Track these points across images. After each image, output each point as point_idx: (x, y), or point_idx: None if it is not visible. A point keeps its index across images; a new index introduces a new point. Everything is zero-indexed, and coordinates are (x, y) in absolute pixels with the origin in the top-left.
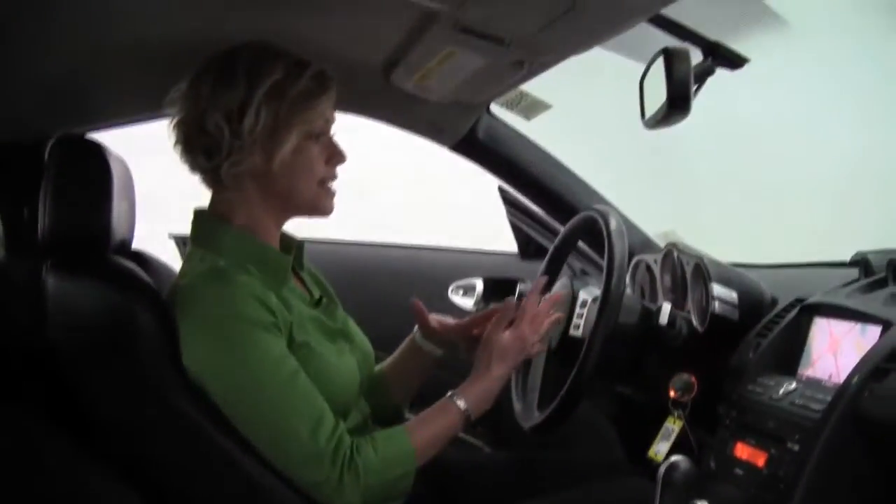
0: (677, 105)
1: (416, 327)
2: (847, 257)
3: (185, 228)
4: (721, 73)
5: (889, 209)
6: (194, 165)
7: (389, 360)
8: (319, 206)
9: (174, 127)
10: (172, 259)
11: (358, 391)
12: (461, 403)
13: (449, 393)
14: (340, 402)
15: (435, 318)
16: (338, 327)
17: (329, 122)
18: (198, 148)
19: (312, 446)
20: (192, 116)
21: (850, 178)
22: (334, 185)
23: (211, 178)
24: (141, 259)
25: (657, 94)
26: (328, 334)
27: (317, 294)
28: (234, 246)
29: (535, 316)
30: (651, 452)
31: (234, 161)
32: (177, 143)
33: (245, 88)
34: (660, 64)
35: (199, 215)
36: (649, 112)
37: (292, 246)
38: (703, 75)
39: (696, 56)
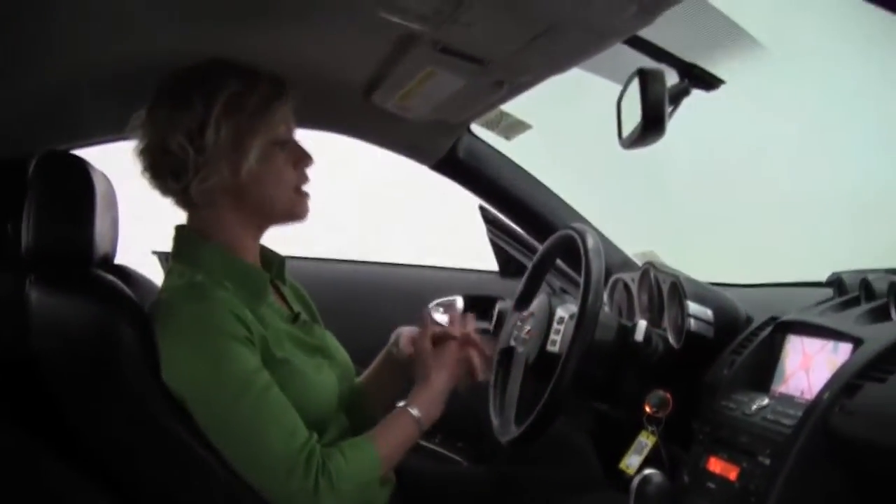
0: (652, 125)
1: (392, 338)
2: (824, 279)
3: (167, 245)
4: (702, 96)
5: (867, 232)
6: (164, 189)
7: (366, 372)
8: (295, 211)
9: (139, 154)
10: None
11: (336, 406)
12: (414, 412)
13: (401, 403)
14: (319, 416)
15: (408, 336)
16: (316, 343)
17: (291, 128)
18: (165, 171)
19: (286, 457)
20: (154, 141)
21: (830, 200)
22: (306, 188)
23: (182, 199)
24: (123, 274)
25: (633, 114)
26: (306, 350)
27: (296, 309)
28: (211, 262)
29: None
30: (622, 465)
31: (202, 178)
32: (144, 169)
33: (202, 106)
34: (636, 84)
35: (179, 231)
36: (626, 132)
37: (273, 261)
38: (678, 96)
39: (673, 77)
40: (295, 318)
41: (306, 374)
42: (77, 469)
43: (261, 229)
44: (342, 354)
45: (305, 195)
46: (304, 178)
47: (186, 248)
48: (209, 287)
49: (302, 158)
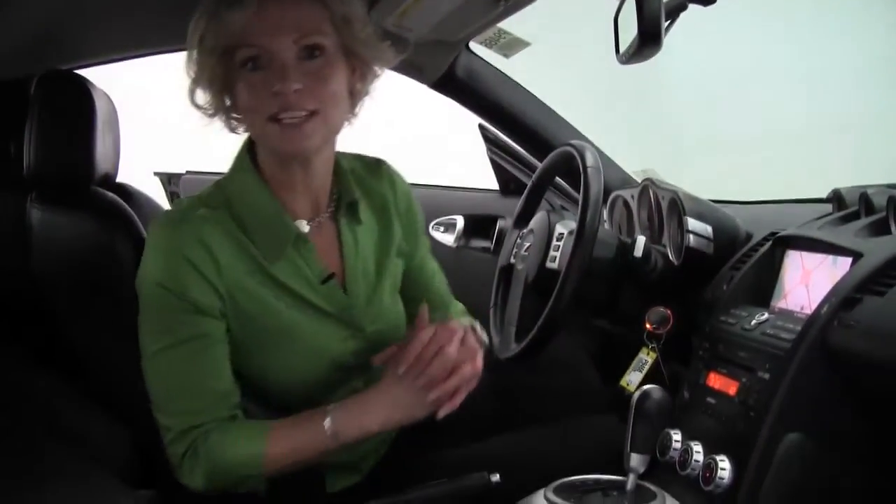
0: (648, 40)
1: None
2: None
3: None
4: (705, 16)
5: (868, 152)
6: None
7: None
8: (274, 145)
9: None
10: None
11: (343, 372)
12: (327, 423)
13: (330, 406)
14: (314, 380)
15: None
16: (333, 310)
17: (261, 41)
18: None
19: (167, 419)
20: None
21: (831, 123)
22: (290, 115)
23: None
24: (124, 192)
25: (630, 29)
26: (315, 314)
27: (326, 272)
28: (241, 195)
29: (418, 360)
30: (623, 382)
31: (209, 100)
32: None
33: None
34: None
35: (244, 146)
36: (623, 47)
37: (343, 197)
38: (675, 10)
39: None
40: (325, 279)
41: (295, 337)
42: (73, 383)
43: (282, 165)
44: (381, 325)
45: (286, 125)
46: (280, 104)
47: (231, 171)
48: (192, 217)
49: (271, 78)
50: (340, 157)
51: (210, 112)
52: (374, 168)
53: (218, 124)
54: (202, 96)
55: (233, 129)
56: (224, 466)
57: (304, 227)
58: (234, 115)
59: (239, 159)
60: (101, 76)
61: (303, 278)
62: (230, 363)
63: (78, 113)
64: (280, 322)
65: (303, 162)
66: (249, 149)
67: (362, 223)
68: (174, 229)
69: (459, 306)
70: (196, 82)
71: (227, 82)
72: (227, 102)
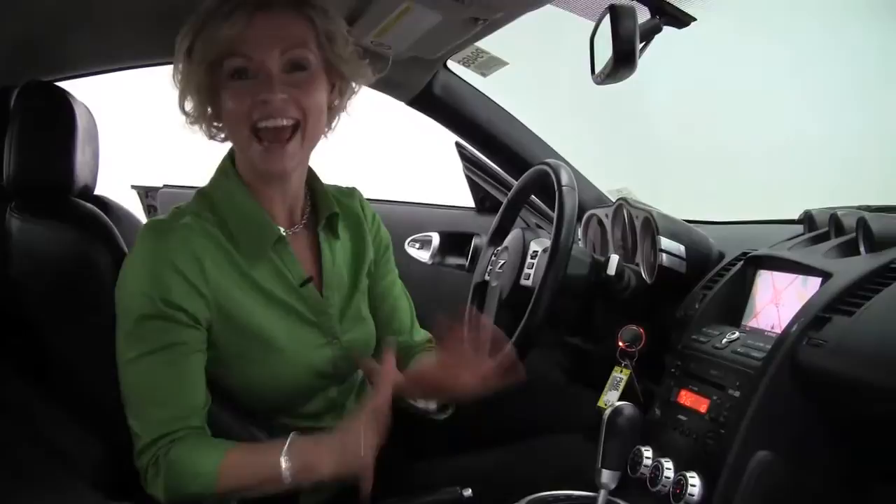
0: (623, 61)
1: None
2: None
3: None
4: (680, 36)
5: (841, 172)
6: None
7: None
8: (254, 158)
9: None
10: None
11: (321, 381)
12: (284, 462)
13: (290, 438)
14: (291, 386)
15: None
16: (312, 317)
17: (250, 53)
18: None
19: (140, 427)
20: None
21: (808, 143)
22: (273, 124)
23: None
24: (102, 204)
25: (605, 50)
26: (296, 320)
27: (305, 275)
28: (224, 199)
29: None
30: (601, 402)
31: (191, 110)
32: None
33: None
34: (608, 21)
35: (228, 154)
36: (598, 67)
37: (322, 209)
38: (649, 33)
39: (645, 15)
40: (304, 282)
41: (276, 342)
42: (49, 391)
43: (261, 177)
44: (356, 335)
45: (268, 147)
46: (264, 112)
47: (214, 178)
48: (177, 226)
49: (258, 87)
50: (313, 173)
51: (192, 119)
52: (348, 192)
53: (196, 136)
54: (188, 104)
55: (212, 137)
56: (179, 481)
57: (283, 232)
58: (216, 124)
59: (222, 167)
60: (80, 90)
61: (282, 281)
62: (208, 372)
63: (58, 124)
64: (261, 327)
65: (281, 177)
66: (232, 157)
67: (339, 238)
68: (161, 238)
69: (423, 334)
70: (183, 92)
71: (212, 91)
72: (209, 111)
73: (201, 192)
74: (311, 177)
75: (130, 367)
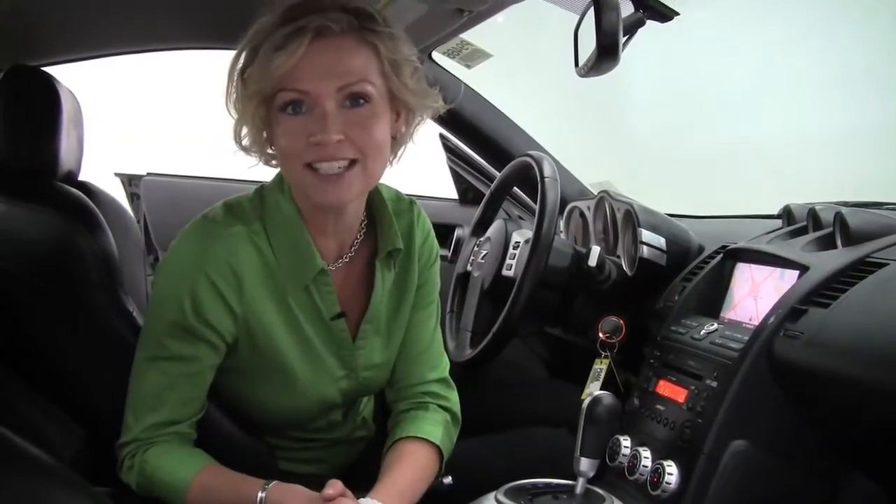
0: (606, 54)
1: None
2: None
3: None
4: (662, 31)
5: (825, 170)
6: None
7: None
8: (309, 193)
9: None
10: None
11: (325, 406)
12: (259, 497)
13: (273, 483)
14: (300, 412)
15: None
16: (333, 350)
17: (303, 86)
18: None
19: (134, 421)
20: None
21: (793, 138)
22: (325, 168)
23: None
24: (87, 189)
25: (589, 43)
26: (320, 351)
27: (337, 310)
28: (280, 213)
29: None
30: (584, 395)
31: (245, 139)
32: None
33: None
34: (591, 14)
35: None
36: (582, 60)
37: (384, 245)
38: (633, 26)
39: (628, 8)
40: (335, 316)
41: (293, 371)
42: (29, 377)
43: (314, 209)
44: (374, 373)
45: (322, 175)
46: (317, 154)
47: (272, 185)
48: (224, 234)
49: (311, 125)
50: (381, 199)
51: (247, 149)
52: (406, 207)
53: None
54: (244, 133)
55: (267, 163)
56: (150, 481)
57: (326, 267)
58: (269, 151)
59: (280, 180)
60: (64, 75)
61: (314, 311)
62: (219, 375)
63: (44, 108)
64: (283, 353)
65: (337, 210)
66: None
67: (393, 271)
68: (207, 243)
69: (443, 370)
70: (239, 122)
71: (267, 122)
72: (265, 135)
73: (260, 194)
74: (379, 206)
75: (143, 365)
